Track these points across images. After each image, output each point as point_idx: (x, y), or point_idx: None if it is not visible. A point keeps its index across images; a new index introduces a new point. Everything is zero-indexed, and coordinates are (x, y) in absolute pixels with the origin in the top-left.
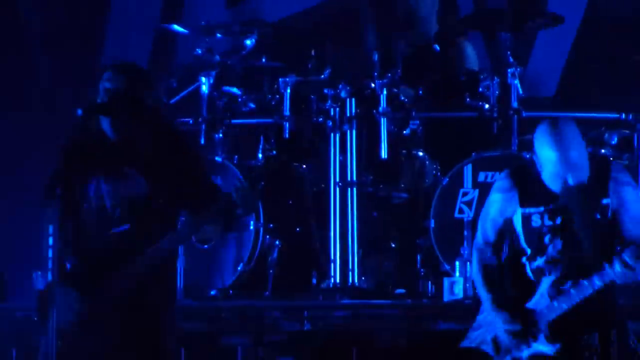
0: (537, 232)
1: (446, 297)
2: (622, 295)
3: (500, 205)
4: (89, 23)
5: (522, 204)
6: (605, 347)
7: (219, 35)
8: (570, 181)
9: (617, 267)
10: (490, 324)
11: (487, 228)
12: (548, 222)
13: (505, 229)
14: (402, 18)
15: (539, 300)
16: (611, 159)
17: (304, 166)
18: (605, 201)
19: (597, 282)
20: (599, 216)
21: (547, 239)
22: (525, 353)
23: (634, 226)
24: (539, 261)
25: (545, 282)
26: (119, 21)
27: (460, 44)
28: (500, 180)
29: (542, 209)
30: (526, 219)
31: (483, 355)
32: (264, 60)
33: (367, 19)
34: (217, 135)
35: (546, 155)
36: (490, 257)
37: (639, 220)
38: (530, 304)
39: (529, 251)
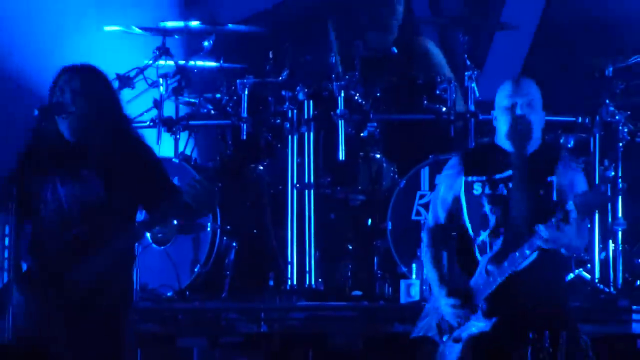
0: (477, 201)
1: (403, 299)
2: (574, 298)
3: (447, 182)
4: (46, 22)
5: (466, 173)
6: (554, 348)
7: (176, 36)
8: (518, 109)
9: (544, 230)
10: (435, 311)
11: (437, 208)
12: (488, 191)
13: (455, 210)
14: (366, 21)
15: (478, 278)
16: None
17: (261, 168)
18: (550, 179)
19: (527, 251)
20: (542, 192)
21: (487, 209)
22: (465, 332)
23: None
24: (483, 235)
25: (484, 259)
26: (76, 20)
27: (422, 44)
28: (450, 161)
29: (484, 177)
30: (468, 187)
31: (431, 343)
32: (221, 61)
33: (329, 22)
34: (174, 137)
35: (501, 92)
36: (440, 239)
37: None
38: (470, 282)
39: (467, 223)
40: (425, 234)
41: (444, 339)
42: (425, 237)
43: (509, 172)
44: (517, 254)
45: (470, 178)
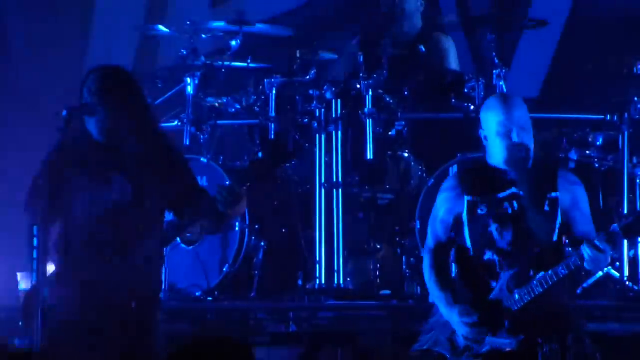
0: (483, 221)
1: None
2: (603, 297)
3: (448, 204)
4: (73, 25)
5: (468, 194)
6: (563, 353)
7: (203, 36)
8: (515, 137)
9: (588, 250)
10: (444, 325)
11: (437, 229)
12: (493, 211)
13: (455, 230)
14: (387, 13)
15: (498, 293)
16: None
17: (288, 165)
18: (553, 195)
19: (563, 271)
20: (547, 208)
21: (493, 229)
22: (485, 349)
23: (584, 224)
24: (488, 254)
25: (505, 276)
26: (103, 22)
27: (437, 39)
28: (447, 182)
29: (488, 197)
30: (471, 207)
31: (438, 357)
32: (249, 61)
33: (351, 18)
34: (202, 136)
35: (491, 117)
36: (443, 259)
37: (589, 218)
38: (490, 297)
39: (469, 243)
40: (427, 254)
41: (458, 354)
42: (428, 258)
43: (512, 190)
44: (550, 272)
45: (472, 198)
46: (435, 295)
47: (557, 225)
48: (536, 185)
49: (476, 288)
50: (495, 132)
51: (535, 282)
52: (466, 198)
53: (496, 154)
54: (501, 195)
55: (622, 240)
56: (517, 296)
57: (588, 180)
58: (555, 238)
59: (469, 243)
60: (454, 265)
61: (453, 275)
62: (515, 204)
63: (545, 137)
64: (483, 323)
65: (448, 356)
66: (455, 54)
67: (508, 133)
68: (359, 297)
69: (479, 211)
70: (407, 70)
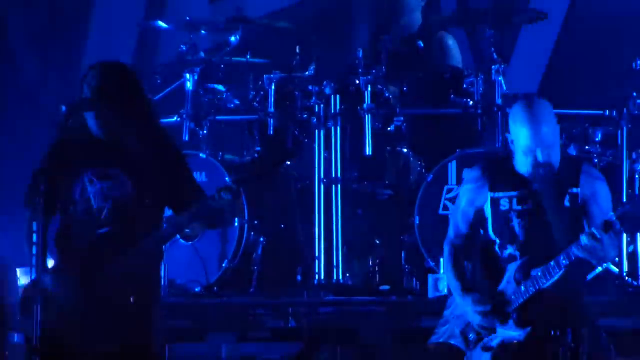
0: (505, 217)
1: (431, 293)
2: (602, 292)
3: (470, 196)
4: (73, 21)
5: (492, 189)
6: (577, 346)
7: (203, 31)
8: (540, 157)
9: (585, 240)
10: (459, 318)
11: (458, 220)
12: (517, 207)
13: (477, 221)
14: (391, 6)
15: (506, 286)
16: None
17: (289, 163)
18: (575, 190)
19: (564, 261)
20: (568, 204)
21: (515, 224)
22: (495, 341)
23: (601, 218)
24: (510, 249)
25: (512, 268)
26: (103, 18)
27: (441, 38)
28: (471, 172)
29: (511, 193)
30: (495, 203)
31: (453, 349)
32: (248, 56)
33: (358, 11)
34: (201, 132)
35: (519, 131)
36: (462, 251)
37: (606, 214)
38: (498, 289)
39: (494, 237)
40: (446, 246)
41: (471, 347)
42: (447, 249)
43: (534, 186)
44: (552, 263)
45: (496, 194)
46: (452, 284)
47: (577, 221)
48: (558, 181)
49: (495, 282)
50: (521, 148)
51: (539, 274)
52: (490, 194)
53: (521, 164)
54: (523, 191)
55: (620, 229)
56: (522, 288)
57: None
58: (575, 233)
59: (493, 237)
60: (476, 259)
61: (473, 267)
62: (537, 200)
63: None
64: (495, 313)
65: (462, 347)
66: (458, 53)
67: (533, 152)
68: (358, 293)
69: (502, 207)
70: (406, 66)
